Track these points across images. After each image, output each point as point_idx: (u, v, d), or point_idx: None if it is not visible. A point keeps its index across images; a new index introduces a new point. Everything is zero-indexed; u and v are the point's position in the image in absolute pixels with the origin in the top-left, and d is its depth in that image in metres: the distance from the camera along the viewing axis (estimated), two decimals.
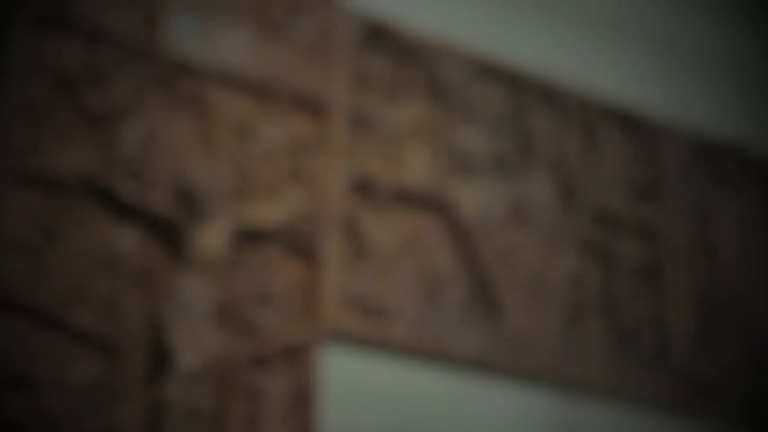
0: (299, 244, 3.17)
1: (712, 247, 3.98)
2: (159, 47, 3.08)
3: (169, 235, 2.97)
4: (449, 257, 3.45)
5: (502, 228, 3.59)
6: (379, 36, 3.50)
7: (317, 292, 3.15)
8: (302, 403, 3.05)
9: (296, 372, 3.06)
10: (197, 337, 2.88)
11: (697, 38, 5.30)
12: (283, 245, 3.14)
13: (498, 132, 3.67)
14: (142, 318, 2.87)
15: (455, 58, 3.61)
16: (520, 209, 3.65)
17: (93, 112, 2.94)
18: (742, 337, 3.93)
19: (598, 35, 5.11)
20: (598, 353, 3.63)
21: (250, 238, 3.09)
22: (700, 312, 3.88)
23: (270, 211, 3.14)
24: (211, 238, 2.97)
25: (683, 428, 3.94)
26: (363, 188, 3.35)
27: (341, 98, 3.35)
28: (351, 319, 3.22)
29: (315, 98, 3.30)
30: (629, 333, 3.71)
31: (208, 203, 2.99)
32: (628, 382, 3.65)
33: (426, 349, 3.33)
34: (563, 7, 5.01)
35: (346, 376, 3.74)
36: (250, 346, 3.01)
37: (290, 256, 3.15)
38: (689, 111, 4.71)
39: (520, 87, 3.74)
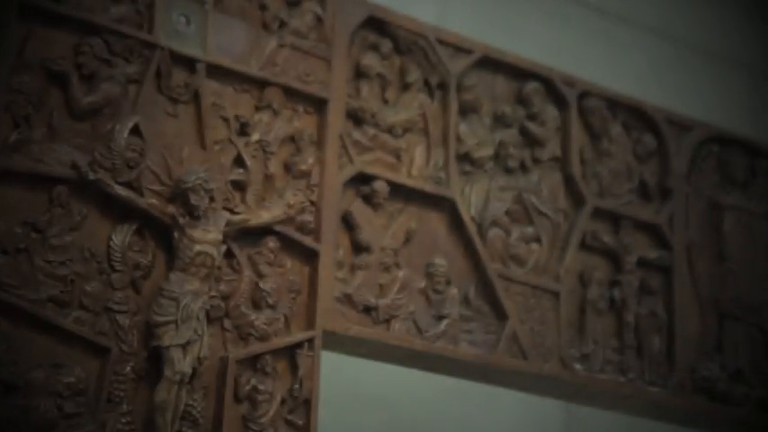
0: (296, 242, 3.12)
1: (720, 243, 3.94)
2: (154, 40, 3.01)
3: (163, 233, 2.92)
4: (449, 255, 3.41)
5: (503, 224, 3.55)
6: (377, 29, 3.44)
7: (315, 291, 3.10)
8: (299, 403, 3.00)
9: (293, 372, 3.01)
10: (192, 337, 2.82)
11: (705, 32, 5.28)
12: (280, 243, 3.09)
13: (499, 126, 3.62)
14: (136, 318, 2.82)
15: (455, 51, 3.56)
16: (522, 205, 3.61)
17: (85, 107, 2.89)
18: (750, 339, 3.89)
19: (602, 26, 5.08)
20: (602, 353, 3.59)
21: (246, 236, 3.04)
22: (707, 312, 3.85)
23: (267, 209, 3.09)
24: (207, 236, 2.93)
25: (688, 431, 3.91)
26: (362, 185, 3.31)
27: (340, 93, 3.31)
28: (349, 319, 3.18)
29: (313, 93, 3.25)
30: (634, 333, 3.68)
31: (203, 201, 2.94)
32: (632, 384, 3.61)
33: (425, 349, 3.29)
34: None
35: (344, 376, 3.71)
36: (246, 347, 2.97)
37: (287, 255, 3.10)
38: (696, 104, 4.69)
39: (521, 80, 3.69)
